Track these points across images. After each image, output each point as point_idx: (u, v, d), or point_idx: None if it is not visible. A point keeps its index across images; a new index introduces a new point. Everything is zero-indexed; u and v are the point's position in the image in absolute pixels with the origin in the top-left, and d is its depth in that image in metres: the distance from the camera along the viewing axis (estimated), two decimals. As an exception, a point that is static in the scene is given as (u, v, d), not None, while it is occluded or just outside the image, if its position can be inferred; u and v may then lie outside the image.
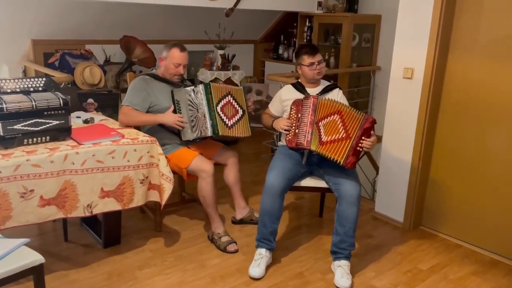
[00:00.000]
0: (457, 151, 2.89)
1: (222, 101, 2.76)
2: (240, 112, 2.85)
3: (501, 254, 2.75)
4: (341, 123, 2.44)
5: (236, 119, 2.82)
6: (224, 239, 2.73)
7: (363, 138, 2.39)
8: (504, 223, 2.72)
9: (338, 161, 2.39)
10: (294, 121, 2.56)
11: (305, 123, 2.50)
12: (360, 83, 5.20)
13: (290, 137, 2.56)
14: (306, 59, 2.69)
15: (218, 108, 2.73)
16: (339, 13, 4.83)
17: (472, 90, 2.77)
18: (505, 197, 2.70)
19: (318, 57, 2.69)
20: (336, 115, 2.46)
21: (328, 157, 2.41)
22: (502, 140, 2.67)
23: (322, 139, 2.46)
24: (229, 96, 2.81)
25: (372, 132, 2.43)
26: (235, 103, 2.84)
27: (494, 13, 2.62)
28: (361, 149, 2.41)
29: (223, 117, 2.74)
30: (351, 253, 2.48)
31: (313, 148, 2.47)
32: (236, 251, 2.70)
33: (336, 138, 2.42)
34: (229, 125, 2.78)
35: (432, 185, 3.06)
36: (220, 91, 2.77)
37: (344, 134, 2.41)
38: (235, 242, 2.74)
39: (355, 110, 2.44)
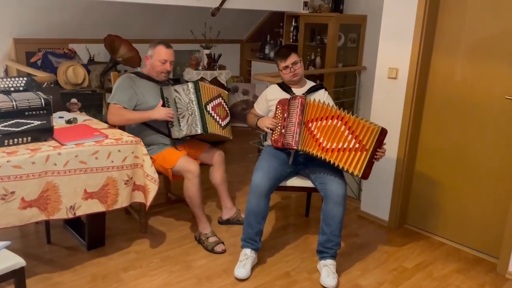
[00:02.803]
0: (441, 150, 2.92)
1: (214, 101, 2.82)
2: (229, 114, 2.94)
3: (485, 252, 2.80)
4: (347, 131, 2.37)
5: (227, 121, 2.91)
6: (212, 239, 2.72)
7: (378, 149, 2.38)
8: (487, 221, 2.76)
9: (355, 174, 2.35)
10: (280, 121, 2.55)
11: (293, 124, 2.50)
12: (346, 83, 5.22)
13: (275, 137, 2.56)
14: (280, 64, 2.69)
15: (209, 107, 2.78)
16: (325, 13, 4.85)
17: (455, 89, 2.80)
18: (488, 196, 2.74)
19: (292, 59, 2.66)
20: (336, 120, 2.40)
21: (341, 167, 2.36)
22: (485, 139, 2.71)
23: (323, 145, 2.40)
24: (221, 98, 2.88)
25: (384, 141, 2.41)
26: (226, 106, 2.92)
27: (476, 14, 2.66)
28: (375, 161, 2.40)
29: (215, 117, 2.81)
30: (337, 252, 2.49)
31: (310, 150, 2.43)
32: (223, 251, 2.69)
33: (346, 147, 2.36)
34: (223, 125, 2.86)
35: (416, 184, 3.09)
36: (211, 91, 2.83)
37: (358, 145, 2.35)
38: (223, 243, 2.73)
39: (363, 119, 2.39)
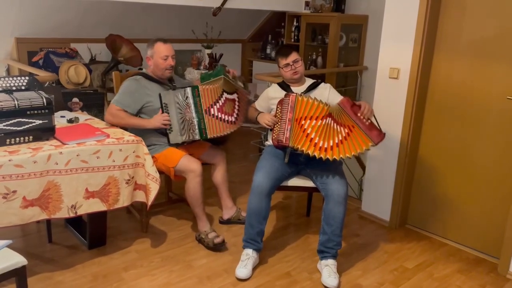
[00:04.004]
0: (442, 150, 2.92)
1: (219, 101, 2.75)
2: (236, 98, 2.82)
3: (485, 252, 2.79)
4: (335, 123, 2.43)
5: (237, 109, 2.81)
6: (211, 235, 2.73)
7: (358, 114, 2.40)
8: (488, 221, 2.76)
9: (370, 147, 2.36)
10: (279, 120, 2.56)
11: (284, 121, 2.51)
12: (347, 83, 5.23)
13: (274, 136, 2.57)
14: (281, 61, 2.70)
15: (214, 110, 2.72)
16: (326, 13, 4.86)
17: (456, 89, 2.80)
18: (489, 196, 2.73)
19: (293, 57, 2.67)
20: (328, 119, 2.44)
21: (352, 156, 2.38)
22: (486, 139, 2.71)
23: (320, 144, 2.41)
24: (224, 93, 2.77)
25: (357, 103, 2.44)
26: (229, 95, 2.79)
27: (476, 15, 2.66)
28: (369, 120, 2.41)
29: (223, 117, 2.74)
30: (338, 252, 2.49)
31: (309, 151, 2.43)
32: (223, 242, 2.69)
33: (341, 138, 2.41)
34: (233, 120, 2.78)
35: (417, 185, 3.09)
36: (215, 92, 2.74)
37: (347, 129, 2.41)
38: (223, 240, 2.74)
39: (327, 105, 2.47)
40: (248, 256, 2.48)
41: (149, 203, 2.53)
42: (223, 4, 4.19)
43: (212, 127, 2.72)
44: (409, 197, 3.13)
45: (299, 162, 2.64)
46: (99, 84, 4.36)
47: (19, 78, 2.40)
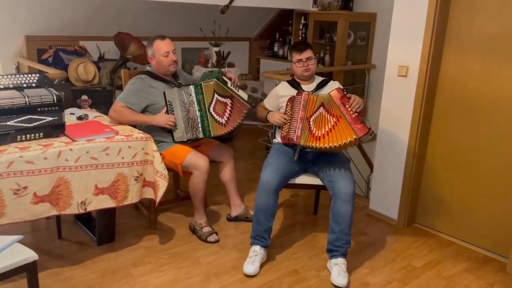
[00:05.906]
0: (451, 148, 2.90)
1: (213, 101, 2.76)
2: (229, 102, 2.78)
3: (494, 251, 2.78)
4: (326, 112, 2.49)
5: (228, 113, 2.78)
6: (206, 229, 2.77)
7: (347, 106, 2.41)
8: (496, 221, 2.74)
9: (353, 139, 2.36)
10: (289, 117, 2.57)
11: (296, 119, 2.53)
12: (355, 81, 5.21)
13: (284, 134, 2.57)
14: (294, 56, 2.71)
15: (211, 109, 2.73)
16: (334, 11, 4.84)
17: (466, 87, 2.78)
18: (498, 195, 2.72)
19: (307, 54, 2.68)
20: (321, 107, 2.51)
21: (339, 145, 2.39)
22: (495, 137, 2.69)
23: (316, 134, 2.47)
24: (215, 93, 2.77)
25: (348, 95, 2.46)
26: (221, 98, 2.77)
27: (487, 11, 2.63)
28: (356, 114, 2.41)
29: (216, 117, 2.75)
30: (347, 250, 2.48)
31: (309, 144, 2.48)
32: (217, 242, 2.74)
33: (331, 127, 2.45)
34: (223, 122, 2.77)
35: (426, 183, 3.08)
36: (209, 91, 2.75)
37: (335, 119, 2.44)
38: (216, 233, 2.78)
39: (317, 95, 2.51)
40: (256, 253, 2.49)
41: (158, 200, 2.54)
42: (231, 2, 4.20)
43: (213, 125, 2.74)
44: (417, 196, 3.12)
45: (306, 159, 2.64)
46: (108, 82, 4.39)
47: (29, 75, 2.43)
